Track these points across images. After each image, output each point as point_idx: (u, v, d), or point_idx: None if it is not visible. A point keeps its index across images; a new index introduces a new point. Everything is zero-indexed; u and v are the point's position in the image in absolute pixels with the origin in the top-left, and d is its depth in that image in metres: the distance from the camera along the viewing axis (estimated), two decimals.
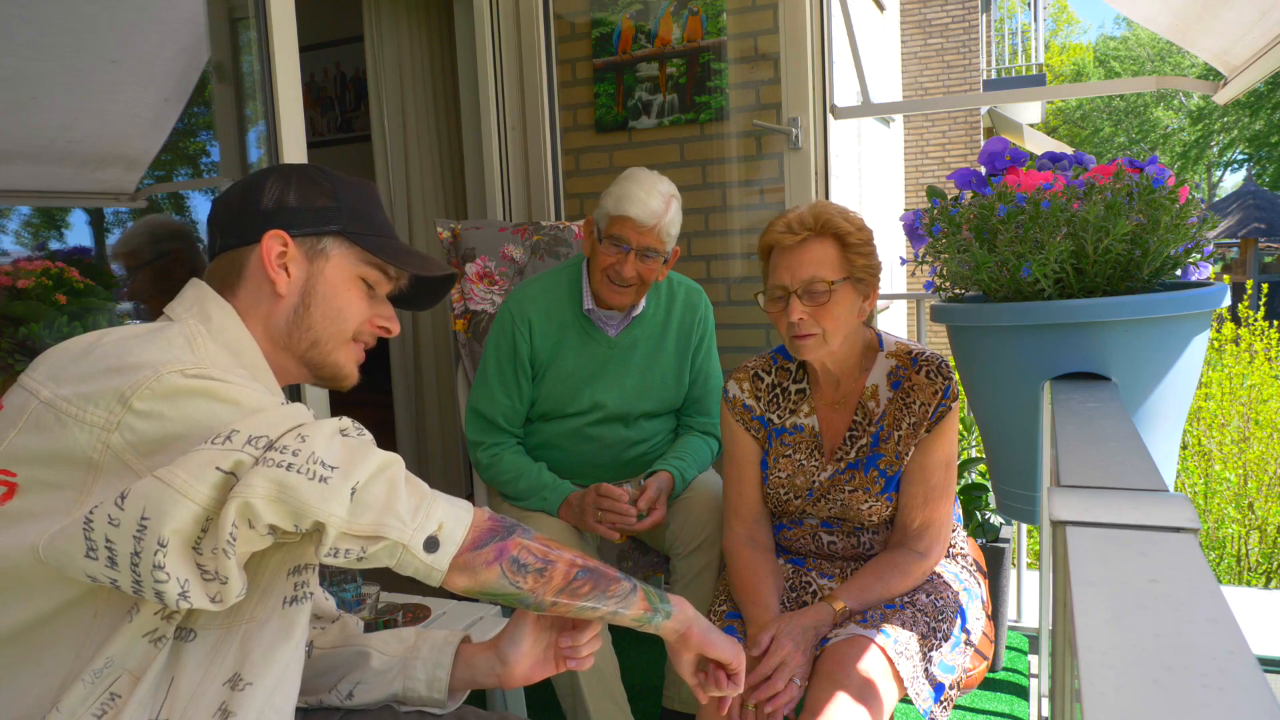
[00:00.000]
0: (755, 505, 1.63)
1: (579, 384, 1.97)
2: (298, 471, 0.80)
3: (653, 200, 1.84)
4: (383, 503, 0.85)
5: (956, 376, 1.45)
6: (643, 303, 1.99)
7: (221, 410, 0.85)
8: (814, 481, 1.57)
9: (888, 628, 1.40)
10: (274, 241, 1.02)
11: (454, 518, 0.91)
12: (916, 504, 1.51)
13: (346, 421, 0.91)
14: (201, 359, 0.90)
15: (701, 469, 2.01)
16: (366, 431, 0.93)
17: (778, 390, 1.63)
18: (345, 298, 1.07)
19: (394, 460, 0.90)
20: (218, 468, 0.79)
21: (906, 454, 1.52)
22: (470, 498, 2.64)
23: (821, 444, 1.59)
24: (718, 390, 2.08)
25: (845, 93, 5.86)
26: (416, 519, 0.87)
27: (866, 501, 1.53)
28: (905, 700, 1.40)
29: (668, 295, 2.04)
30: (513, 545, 0.94)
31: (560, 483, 1.92)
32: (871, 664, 1.35)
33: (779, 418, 1.62)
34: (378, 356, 3.42)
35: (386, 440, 3.35)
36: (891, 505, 1.54)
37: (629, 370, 1.99)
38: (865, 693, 1.32)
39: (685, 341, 2.04)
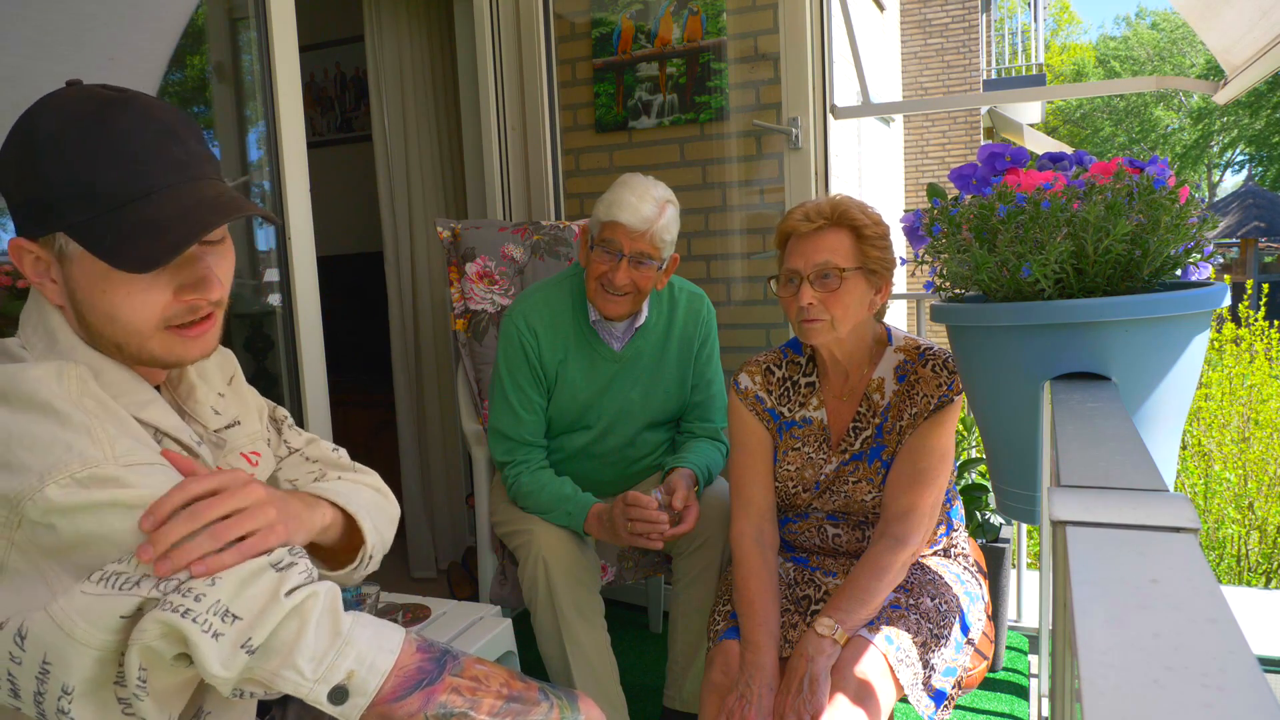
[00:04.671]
0: (765, 497, 1.62)
1: (584, 403, 1.93)
2: (193, 620, 0.76)
3: (645, 205, 1.78)
4: (287, 649, 0.79)
5: None
6: (645, 312, 1.94)
7: (114, 519, 0.78)
8: (821, 474, 1.58)
9: (890, 632, 1.40)
10: (19, 253, 0.87)
11: (369, 664, 0.83)
12: (902, 485, 1.50)
13: (282, 554, 0.84)
14: (91, 448, 0.79)
15: (716, 470, 1.97)
16: (304, 556, 0.86)
17: (788, 384, 1.64)
18: (106, 298, 0.87)
19: (312, 595, 0.82)
20: (120, 615, 0.76)
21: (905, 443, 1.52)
22: (470, 498, 2.64)
23: (829, 436, 1.59)
24: (721, 395, 2.06)
25: (845, 93, 5.86)
26: (320, 668, 0.81)
27: (870, 492, 1.54)
28: (904, 700, 1.40)
29: (669, 302, 2.01)
30: (442, 689, 0.87)
31: (582, 495, 1.87)
32: (871, 666, 1.35)
33: (789, 411, 1.62)
34: (378, 356, 3.43)
35: (387, 440, 3.36)
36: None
37: (634, 384, 1.95)
38: (863, 694, 1.32)
39: (687, 349, 2.01)
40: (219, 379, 1.12)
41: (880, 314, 1.59)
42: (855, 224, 1.49)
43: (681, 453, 1.96)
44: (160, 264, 0.84)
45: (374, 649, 0.84)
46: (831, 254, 1.48)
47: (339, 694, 0.81)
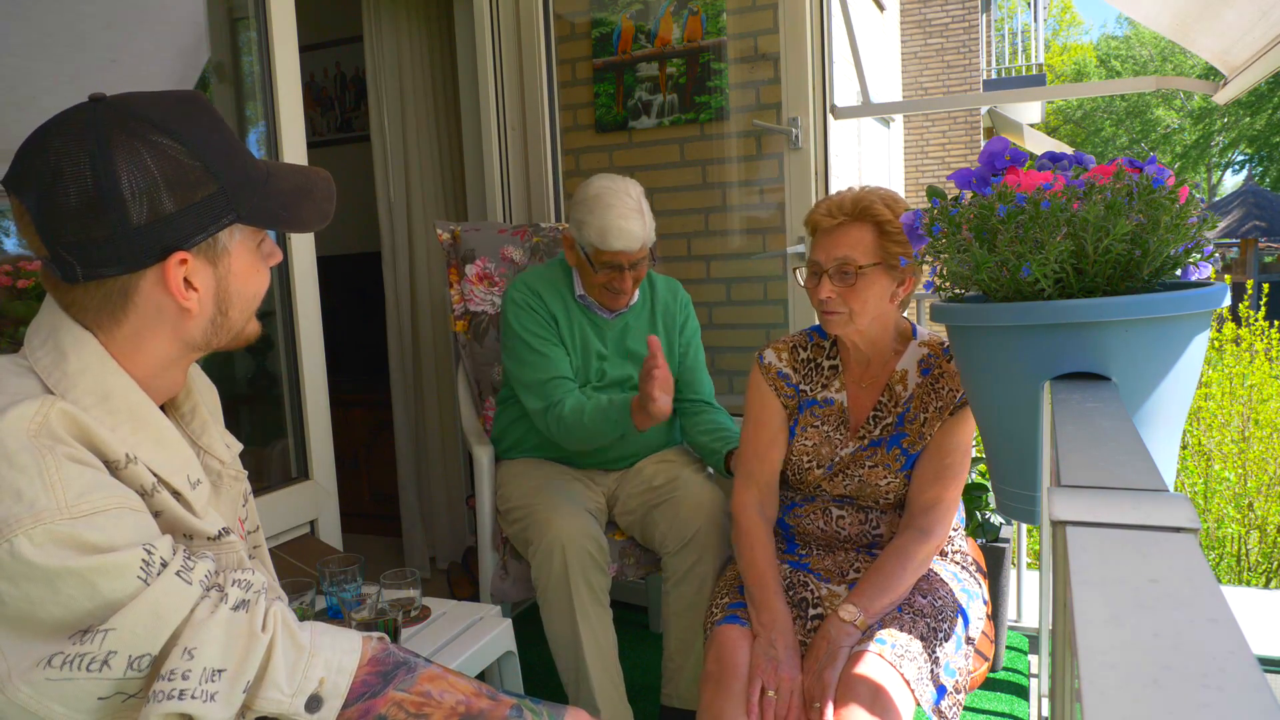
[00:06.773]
0: (771, 472, 1.66)
1: (581, 352, 2.05)
2: (192, 698, 0.76)
3: (633, 224, 1.89)
4: (263, 671, 0.82)
5: None
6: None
7: (70, 589, 0.75)
8: (836, 455, 1.61)
9: (884, 634, 1.41)
10: (177, 270, 0.87)
11: (336, 667, 0.86)
12: (928, 479, 1.55)
13: (236, 594, 0.84)
14: (43, 495, 0.75)
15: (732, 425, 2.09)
16: (256, 575, 0.87)
17: (812, 365, 1.68)
18: (256, 279, 0.96)
19: (275, 616, 0.85)
20: (99, 697, 0.76)
21: (930, 435, 1.55)
22: (470, 499, 2.63)
23: (848, 420, 1.63)
24: (705, 372, 2.21)
25: (845, 93, 5.86)
26: (294, 682, 0.83)
27: (885, 477, 1.57)
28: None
29: (648, 283, 2.16)
30: (382, 703, 0.87)
31: (619, 396, 1.87)
32: (883, 676, 1.35)
33: (811, 390, 1.66)
34: (377, 357, 3.42)
35: (387, 440, 3.36)
36: (908, 484, 1.57)
37: (625, 341, 2.09)
38: (881, 706, 1.32)
39: (670, 319, 2.15)
40: (215, 413, 1.08)
41: (904, 305, 1.60)
42: (878, 219, 1.50)
43: (717, 432, 2.05)
44: (329, 218, 0.97)
45: (338, 652, 0.88)
46: (851, 250, 1.50)
47: (314, 703, 0.84)
